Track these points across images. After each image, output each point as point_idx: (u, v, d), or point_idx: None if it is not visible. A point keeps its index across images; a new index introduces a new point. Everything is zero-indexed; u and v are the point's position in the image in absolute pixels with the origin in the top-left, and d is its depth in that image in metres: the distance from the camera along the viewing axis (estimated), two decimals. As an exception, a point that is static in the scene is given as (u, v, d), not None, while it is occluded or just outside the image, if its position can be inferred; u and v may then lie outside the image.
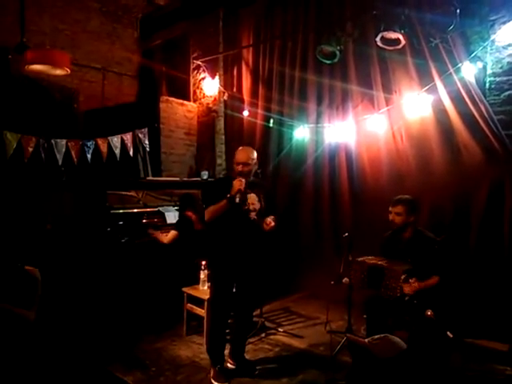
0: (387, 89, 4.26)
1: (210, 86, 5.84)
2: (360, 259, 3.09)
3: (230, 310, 3.00)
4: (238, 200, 2.72)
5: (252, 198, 2.88)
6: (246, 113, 5.39)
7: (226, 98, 5.70)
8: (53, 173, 4.47)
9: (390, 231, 3.26)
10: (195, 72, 6.05)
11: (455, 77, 3.69)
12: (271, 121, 5.08)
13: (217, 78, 5.80)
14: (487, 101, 3.64)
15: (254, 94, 5.38)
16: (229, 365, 3.11)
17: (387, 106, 4.23)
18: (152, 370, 3.12)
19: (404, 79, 4.13)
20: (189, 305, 3.69)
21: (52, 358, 2.99)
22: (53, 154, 4.23)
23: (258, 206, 2.90)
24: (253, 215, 2.84)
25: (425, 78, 3.93)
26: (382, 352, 2.46)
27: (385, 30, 3.64)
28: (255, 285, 2.97)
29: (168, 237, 3.95)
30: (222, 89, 5.73)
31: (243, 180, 2.71)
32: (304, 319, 4.22)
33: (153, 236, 4.12)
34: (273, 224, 2.75)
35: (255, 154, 2.92)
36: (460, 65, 3.67)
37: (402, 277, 2.85)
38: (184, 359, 3.32)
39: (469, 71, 3.65)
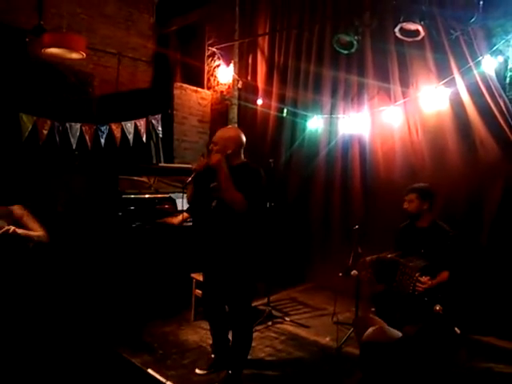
0: (404, 81, 4.22)
1: (224, 74, 5.82)
2: (373, 257, 3.08)
3: (219, 303, 2.83)
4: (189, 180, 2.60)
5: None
6: (259, 101, 5.36)
7: (240, 86, 5.66)
8: (66, 156, 4.50)
9: (405, 222, 3.24)
10: (210, 59, 6.04)
11: (475, 70, 3.64)
12: (285, 111, 5.06)
13: (231, 65, 5.77)
14: (507, 96, 3.59)
15: (269, 82, 5.37)
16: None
17: (404, 98, 4.20)
18: (159, 352, 3.16)
19: (422, 72, 4.07)
20: (197, 290, 3.71)
21: (62, 340, 3.03)
22: (67, 138, 4.27)
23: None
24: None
25: (443, 71, 3.88)
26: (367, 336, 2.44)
27: (404, 21, 3.59)
28: (238, 277, 2.64)
29: (178, 218, 3.99)
30: (237, 76, 5.70)
31: (203, 161, 2.55)
32: (311, 309, 4.24)
33: (163, 221, 4.14)
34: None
35: (234, 136, 2.66)
36: (480, 58, 3.61)
37: (417, 274, 2.83)
38: (191, 343, 3.36)
39: (489, 65, 3.58)
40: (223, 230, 2.61)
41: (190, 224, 4.05)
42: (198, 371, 2.91)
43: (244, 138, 2.70)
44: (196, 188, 2.66)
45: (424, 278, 2.81)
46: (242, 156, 2.72)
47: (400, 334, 2.48)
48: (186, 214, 3.92)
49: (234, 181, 2.51)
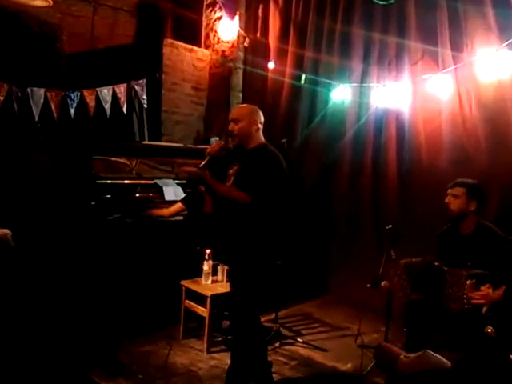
0: (456, 43, 4.21)
1: (227, 29, 5.82)
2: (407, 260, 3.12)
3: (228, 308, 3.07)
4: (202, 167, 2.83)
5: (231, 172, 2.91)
6: (271, 65, 5.38)
7: (246, 44, 5.69)
8: (27, 130, 4.48)
9: (445, 226, 3.28)
10: (209, 10, 6.04)
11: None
12: (303, 78, 5.07)
13: (236, 18, 5.76)
14: None
15: (283, 41, 5.38)
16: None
17: (455, 64, 4.19)
18: (139, 377, 3.17)
19: (479, 31, 4.04)
20: (188, 301, 3.76)
21: (24, 362, 3.06)
22: (28, 106, 4.26)
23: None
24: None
25: (507, 30, 3.83)
26: (412, 369, 2.51)
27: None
28: (239, 280, 2.88)
29: (170, 209, 4.01)
30: (243, 32, 5.71)
31: (218, 143, 2.81)
32: (329, 329, 4.25)
33: (150, 213, 4.18)
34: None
35: (254, 113, 2.92)
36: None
37: (468, 282, 2.81)
38: (179, 367, 3.37)
39: None
40: (226, 225, 2.84)
41: (182, 218, 4.09)
42: None
43: (262, 116, 2.90)
44: (211, 176, 2.81)
45: (482, 287, 2.77)
46: (261, 137, 2.91)
47: (449, 364, 2.52)
48: (180, 205, 3.96)
49: (247, 168, 2.73)
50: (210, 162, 2.82)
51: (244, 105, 3.16)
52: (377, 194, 4.80)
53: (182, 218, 4.09)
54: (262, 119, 2.93)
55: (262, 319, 3.74)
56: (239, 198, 2.70)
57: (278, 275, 3.70)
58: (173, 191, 4.49)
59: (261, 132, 2.93)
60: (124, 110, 4.80)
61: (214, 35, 5.96)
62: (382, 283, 3.30)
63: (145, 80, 4.91)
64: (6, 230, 3.21)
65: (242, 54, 5.77)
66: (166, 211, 4.01)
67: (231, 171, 2.89)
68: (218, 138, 5.11)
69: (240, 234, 2.80)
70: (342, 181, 5.04)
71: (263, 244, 2.80)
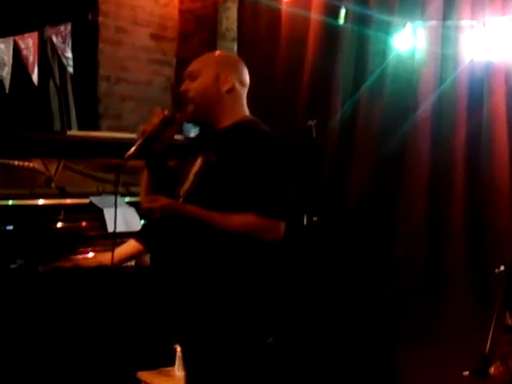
0: None
1: None
2: None
3: None
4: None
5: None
6: None
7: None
8: None
9: None
10: None
11: None
12: (342, 12, 4.37)
13: None
14: None
15: None
16: None
17: None
18: None
19: None
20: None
21: None
22: None
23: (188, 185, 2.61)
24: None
25: None
26: None
27: None
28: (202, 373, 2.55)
29: (119, 252, 3.29)
30: None
31: (160, 112, 2.47)
32: None
33: (81, 262, 3.82)
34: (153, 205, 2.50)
35: (227, 62, 2.66)
36: None
37: None
38: None
39: None
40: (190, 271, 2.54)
41: (134, 266, 3.69)
42: None
43: (246, 71, 2.63)
44: (153, 176, 2.59)
45: None
46: (244, 107, 2.61)
47: None
48: (135, 244, 3.30)
49: (223, 164, 2.44)
50: (147, 150, 2.46)
51: (213, 52, 2.96)
52: (476, 211, 4.09)
53: (133, 265, 3.67)
54: (246, 77, 2.59)
55: None
56: (242, 224, 2.39)
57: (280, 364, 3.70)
58: (121, 216, 3.82)
59: (243, 98, 2.58)
60: (34, 77, 4.53)
61: None
62: (492, 368, 3.03)
63: (69, 25, 4.59)
64: None
65: (236, -24, 5.20)
66: (110, 256, 3.15)
67: (190, 167, 2.56)
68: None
69: (205, 294, 2.46)
70: (414, 193, 4.31)
71: (250, 309, 2.47)
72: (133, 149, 2.36)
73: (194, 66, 2.55)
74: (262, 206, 2.30)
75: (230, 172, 2.39)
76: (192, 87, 2.48)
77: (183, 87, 2.53)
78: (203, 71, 2.49)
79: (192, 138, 2.94)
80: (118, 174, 2.70)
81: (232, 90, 2.49)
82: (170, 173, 2.61)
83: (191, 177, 2.53)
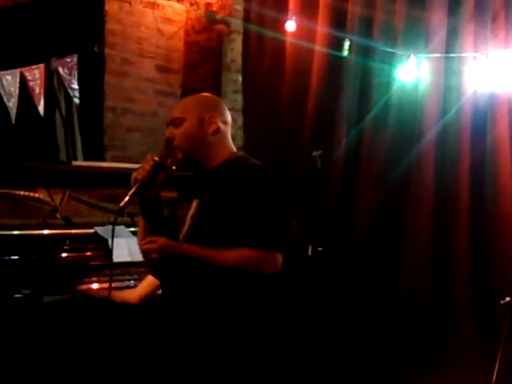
0: None
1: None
2: None
3: None
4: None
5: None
6: (290, 25, 4.71)
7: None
8: None
9: None
10: None
11: None
12: (345, 46, 4.49)
13: None
14: None
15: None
16: None
17: None
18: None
19: None
20: None
21: None
22: None
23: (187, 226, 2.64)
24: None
25: None
26: None
27: None
28: None
29: (139, 291, 3.29)
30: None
31: (150, 159, 2.50)
32: None
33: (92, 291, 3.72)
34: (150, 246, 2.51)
35: (207, 104, 2.69)
36: None
37: None
38: None
39: None
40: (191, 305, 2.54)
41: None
42: None
43: (227, 110, 2.70)
44: (148, 219, 2.63)
45: None
46: (231, 145, 2.69)
47: None
48: (153, 281, 3.24)
49: (217, 202, 2.50)
50: (142, 195, 2.50)
51: (193, 95, 2.84)
52: (481, 243, 4.22)
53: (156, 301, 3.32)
54: (228, 116, 2.64)
55: None
56: (256, 259, 2.43)
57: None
58: (126, 247, 4.09)
59: (228, 136, 2.64)
60: (40, 108, 4.52)
61: (193, -23, 5.54)
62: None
63: (76, 57, 4.60)
64: None
65: (240, 8, 5.21)
66: (133, 295, 3.32)
67: (187, 212, 2.58)
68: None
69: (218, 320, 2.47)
70: (419, 222, 4.39)
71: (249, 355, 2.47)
72: (127, 197, 2.40)
73: (176, 113, 2.60)
74: (255, 238, 2.34)
75: (225, 210, 2.43)
76: (177, 134, 2.52)
77: (168, 134, 2.56)
78: (187, 117, 2.54)
79: (184, 182, 2.90)
80: (114, 223, 2.67)
81: (217, 131, 2.55)
82: (166, 219, 2.65)
83: (188, 220, 2.57)
